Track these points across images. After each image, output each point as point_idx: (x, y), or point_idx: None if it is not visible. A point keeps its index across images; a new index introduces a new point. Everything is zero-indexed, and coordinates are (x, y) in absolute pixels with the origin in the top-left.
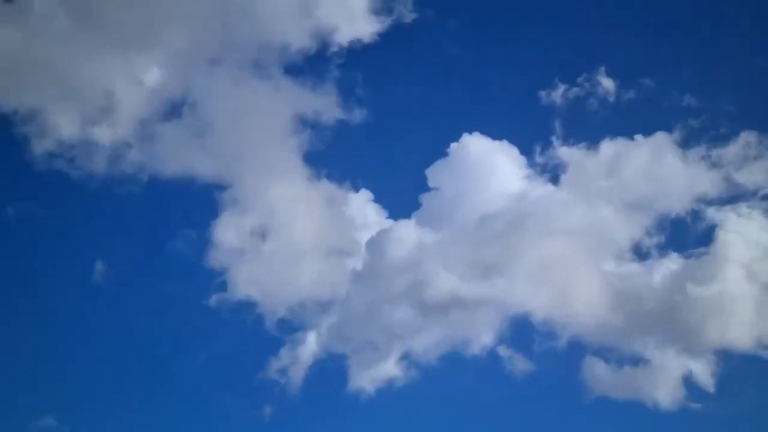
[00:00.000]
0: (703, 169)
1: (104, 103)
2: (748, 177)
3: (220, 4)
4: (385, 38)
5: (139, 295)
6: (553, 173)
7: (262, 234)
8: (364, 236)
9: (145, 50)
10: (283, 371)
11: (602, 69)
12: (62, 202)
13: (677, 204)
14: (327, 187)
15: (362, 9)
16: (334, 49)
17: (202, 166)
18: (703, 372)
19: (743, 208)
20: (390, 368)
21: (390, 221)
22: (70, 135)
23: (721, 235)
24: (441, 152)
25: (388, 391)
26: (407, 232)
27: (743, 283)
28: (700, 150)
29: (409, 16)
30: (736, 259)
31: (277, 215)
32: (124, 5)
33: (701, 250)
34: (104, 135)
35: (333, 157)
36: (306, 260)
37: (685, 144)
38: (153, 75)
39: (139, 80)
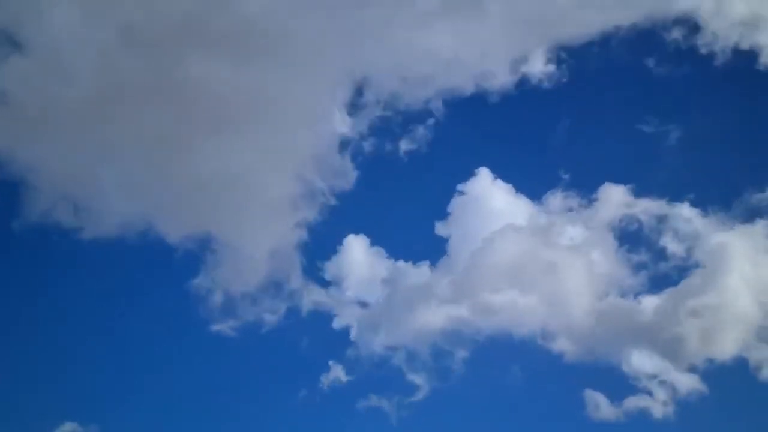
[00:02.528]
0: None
1: None
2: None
3: None
4: None
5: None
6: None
7: None
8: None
9: None
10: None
11: (603, 118)
12: None
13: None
14: None
15: None
16: None
17: None
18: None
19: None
20: (400, 394)
21: (396, 263)
22: None
23: (711, 254)
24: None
25: (400, 418)
26: (414, 271)
27: (737, 299)
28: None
29: None
30: (728, 276)
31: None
32: None
33: (693, 271)
34: None
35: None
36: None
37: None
38: None
39: None
